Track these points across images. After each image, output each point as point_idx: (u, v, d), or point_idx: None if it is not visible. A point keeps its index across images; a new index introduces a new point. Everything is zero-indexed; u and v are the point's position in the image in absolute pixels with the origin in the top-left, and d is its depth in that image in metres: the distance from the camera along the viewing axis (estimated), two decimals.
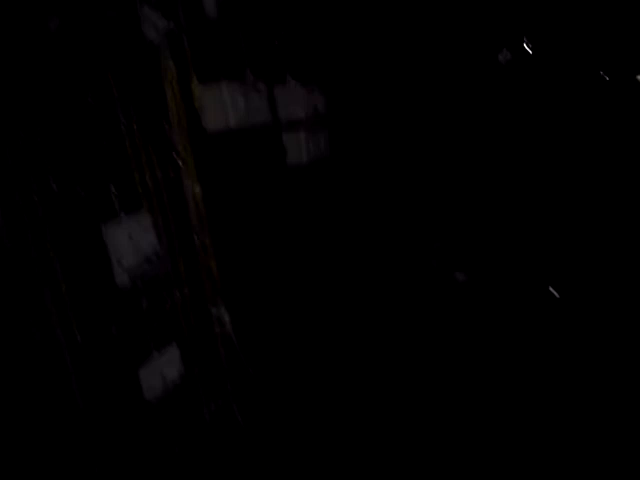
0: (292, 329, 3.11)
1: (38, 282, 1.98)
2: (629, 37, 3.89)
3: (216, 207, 2.62)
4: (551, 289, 4.49)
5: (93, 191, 2.07)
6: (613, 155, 4.13)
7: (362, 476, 2.53)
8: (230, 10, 2.50)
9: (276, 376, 2.97)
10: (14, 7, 1.79)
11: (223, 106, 2.48)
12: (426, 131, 4.04)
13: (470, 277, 4.60)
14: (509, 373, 3.26)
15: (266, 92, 2.77)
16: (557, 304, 4.28)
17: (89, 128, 2.04)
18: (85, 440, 2.12)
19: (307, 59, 3.15)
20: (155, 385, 2.42)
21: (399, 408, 2.95)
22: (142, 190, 2.27)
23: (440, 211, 4.39)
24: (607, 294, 3.82)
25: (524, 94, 4.61)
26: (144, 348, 2.34)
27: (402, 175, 4.08)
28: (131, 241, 2.18)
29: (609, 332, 3.48)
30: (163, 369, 2.47)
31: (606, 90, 4.78)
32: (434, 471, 2.54)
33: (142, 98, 2.22)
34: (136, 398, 2.29)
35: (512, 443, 2.65)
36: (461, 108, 4.18)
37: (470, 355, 3.47)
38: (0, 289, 1.91)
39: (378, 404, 2.98)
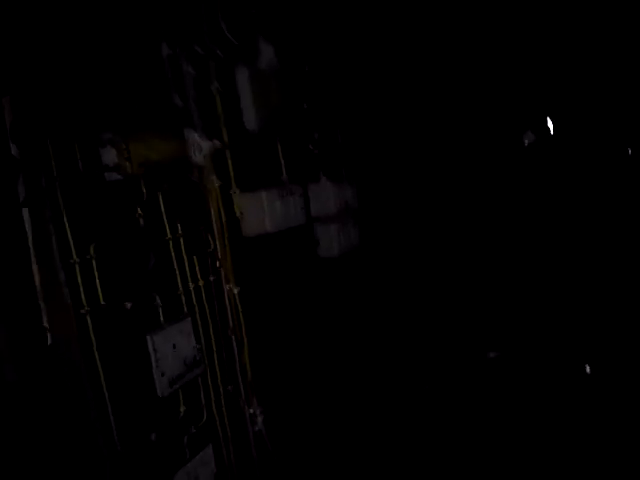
0: (327, 424, 3.09)
1: (82, 393, 2.05)
2: None
3: (252, 306, 2.70)
4: (586, 366, 4.39)
5: (139, 303, 2.17)
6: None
7: None
8: (269, 123, 2.68)
9: (308, 475, 2.94)
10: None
11: (262, 212, 2.61)
12: (453, 219, 4.13)
13: (502, 354, 4.54)
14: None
15: (301, 193, 2.90)
16: (589, 380, 4.19)
17: (139, 245, 2.18)
18: None
19: (338, 158, 3.31)
20: None
21: None
22: (185, 297, 2.37)
23: (472, 291, 4.39)
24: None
25: (549, 173, 4.68)
26: (181, 453, 2.36)
27: (433, 259, 4.13)
28: (173, 349, 2.25)
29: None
30: (198, 471, 2.47)
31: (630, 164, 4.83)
32: None
33: (187, 212, 2.36)
34: None
35: None
36: (489, 194, 4.27)
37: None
38: (45, 397, 1.98)
39: None
